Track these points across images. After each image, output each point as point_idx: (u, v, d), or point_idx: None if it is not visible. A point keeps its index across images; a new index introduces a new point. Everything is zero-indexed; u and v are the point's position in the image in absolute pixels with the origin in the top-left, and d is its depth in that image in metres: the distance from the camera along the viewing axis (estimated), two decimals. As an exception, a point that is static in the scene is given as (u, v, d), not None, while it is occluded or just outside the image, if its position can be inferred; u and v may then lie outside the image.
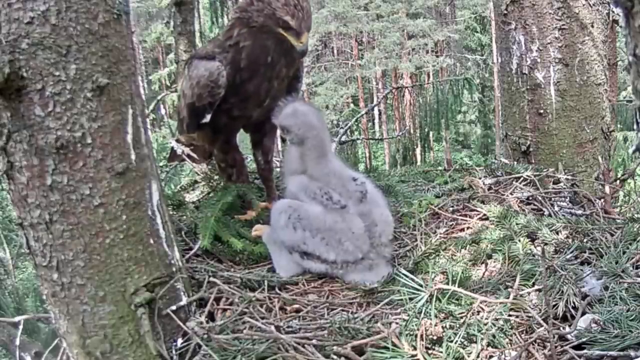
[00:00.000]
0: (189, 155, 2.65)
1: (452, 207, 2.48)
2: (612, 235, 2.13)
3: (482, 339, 1.54)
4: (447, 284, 1.73)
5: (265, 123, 2.45)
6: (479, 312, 1.66)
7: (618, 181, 3.02)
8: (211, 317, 1.74)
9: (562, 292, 1.72)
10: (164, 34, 18.53)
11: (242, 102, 2.26)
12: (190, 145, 2.63)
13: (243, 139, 2.57)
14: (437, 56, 23.38)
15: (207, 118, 2.26)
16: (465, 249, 2.11)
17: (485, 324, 1.59)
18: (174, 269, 1.67)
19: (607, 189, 2.69)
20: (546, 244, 2.09)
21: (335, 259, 1.96)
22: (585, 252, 2.03)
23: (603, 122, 3.01)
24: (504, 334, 1.58)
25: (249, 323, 1.64)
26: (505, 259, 1.99)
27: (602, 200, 2.55)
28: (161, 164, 3.88)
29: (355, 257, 1.96)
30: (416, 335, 1.53)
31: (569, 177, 2.75)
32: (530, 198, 2.52)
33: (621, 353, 1.47)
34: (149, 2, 20.58)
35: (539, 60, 2.91)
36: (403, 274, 1.77)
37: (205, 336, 1.57)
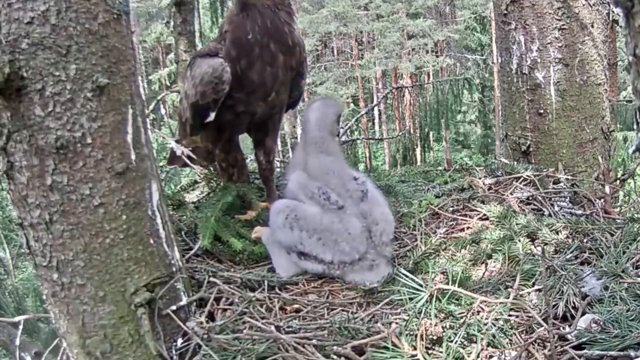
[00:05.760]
0: (189, 157, 2.65)
1: (452, 207, 2.48)
2: (612, 235, 2.13)
3: (482, 339, 1.54)
4: (447, 284, 1.73)
5: (268, 122, 2.45)
6: (479, 312, 1.66)
7: (618, 181, 3.03)
8: (211, 317, 1.74)
9: (562, 292, 1.72)
10: (164, 34, 18.53)
11: (248, 95, 2.26)
12: (191, 148, 2.63)
13: (243, 139, 2.57)
14: (437, 56, 23.39)
15: (211, 117, 2.26)
16: (465, 249, 2.11)
17: (485, 324, 1.59)
18: (174, 269, 1.67)
19: (607, 189, 2.69)
20: (546, 244, 2.09)
21: (332, 260, 1.96)
22: (585, 252, 2.03)
23: (603, 122, 3.01)
24: (504, 334, 1.58)
25: (249, 323, 1.64)
26: (505, 259, 1.99)
27: (602, 200, 2.55)
28: (161, 164, 3.87)
29: (352, 258, 1.96)
30: (416, 335, 1.53)
31: (569, 177, 2.75)
32: (530, 198, 2.52)
33: (621, 353, 1.47)
34: (149, 2, 20.58)
35: (539, 60, 2.91)
36: (403, 274, 1.77)
37: (205, 336, 1.57)
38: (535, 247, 2.07)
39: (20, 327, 2.18)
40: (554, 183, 2.71)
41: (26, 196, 1.45)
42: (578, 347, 1.53)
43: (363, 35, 25.48)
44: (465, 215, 2.40)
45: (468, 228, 2.29)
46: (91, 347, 1.55)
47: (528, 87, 2.96)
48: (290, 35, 2.24)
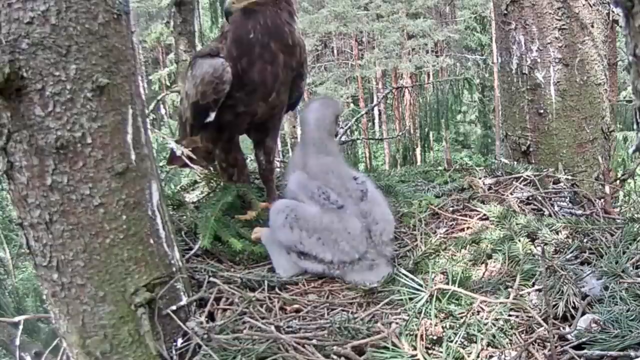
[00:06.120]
0: (189, 157, 2.65)
1: (452, 207, 2.48)
2: (612, 235, 2.13)
3: (482, 339, 1.54)
4: (447, 284, 1.73)
5: (268, 123, 2.46)
6: (479, 312, 1.66)
7: (618, 181, 3.03)
8: (211, 317, 1.74)
9: (562, 292, 1.72)
10: (164, 34, 18.50)
11: (249, 95, 2.26)
12: (191, 148, 2.63)
13: (243, 139, 2.57)
14: (437, 56, 23.40)
15: (212, 117, 2.26)
16: (465, 249, 2.11)
17: (485, 324, 1.59)
18: (174, 269, 1.67)
19: (607, 189, 2.68)
20: (546, 244, 2.09)
21: (332, 259, 1.96)
22: (585, 252, 2.03)
23: (603, 122, 3.01)
24: (504, 334, 1.58)
25: (249, 323, 1.64)
26: (505, 259, 1.99)
27: (602, 200, 2.55)
28: (161, 164, 3.87)
29: (352, 258, 1.96)
30: (416, 335, 1.53)
31: (569, 177, 2.75)
32: (530, 198, 2.52)
33: (621, 353, 1.47)
34: (149, 2, 20.58)
35: (539, 60, 2.91)
36: (403, 274, 1.77)
37: (205, 336, 1.57)
38: (535, 247, 2.07)
39: (20, 327, 2.17)
40: (554, 183, 2.71)
41: (26, 196, 1.45)
42: (578, 347, 1.53)
43: (363, 35, 25.48)
44: (465, 215, 2.40)
45: (468, 228, 2.29)
46: (91, 347, 1.55)
47: (528, 87, 2.96)
48: (290, 35, 2.24)
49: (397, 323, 1.61)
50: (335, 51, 27.63)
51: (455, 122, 18.75)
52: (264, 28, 2.17)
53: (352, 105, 22.75)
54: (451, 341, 1.54)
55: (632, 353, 1.46)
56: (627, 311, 1.63)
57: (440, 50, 24.75)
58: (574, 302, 1.69)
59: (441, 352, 1.51)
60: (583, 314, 1.66)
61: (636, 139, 1.29)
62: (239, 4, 2.12)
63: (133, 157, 1.53)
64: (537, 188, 2.58)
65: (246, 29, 2.17)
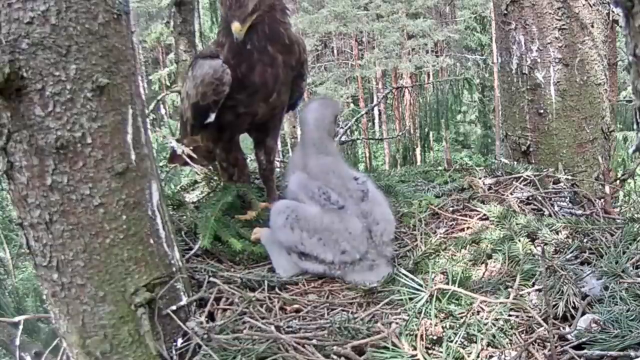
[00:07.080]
0: (189, 156, 2.65)
1: (452, 207, 2.48)
2: (612, 235, 2.13)
3: (482, 339, 1.55)
4: (447, 284, 1.73)
5: (269, 123, 2.46)
6: (479, 312, 1.66)
7: (618, 181, 3.03)
8: (211, 317, 1.74)
9: (562, 292, 1.72)
10: (164, 34, 18.49)
11: (250, 96, 2.25)
12: (192, 147, 2.63)
13: (243, 139, 2.57)
14: (437, 56, 23.38)
15: (212, 117, 2.26)
16: (465, 249, 2.11)
17: (485, 324, 1.59)
18: (174, 269, 1.67)
19: (607, 189, 2.69)
20: (546, 244, 2.09)
21: (333, 260, 1.96)
22: (585, 252, 2.03)
23: (603, 122, 3.01)
24: (504, 334, 1.58)
25: (249, 323, 1.64)
26: (505, 259, 1.99)
27: (602, 200, 2.55)
28: (161, 164, 3.87)
29: (353, 258, 1.96)
30: (416, 335, 1.53)
31: (569, 177, 2.75)
32: (530, 198, 2.52)
33: (621, 353, 1.47)
34: (149, 2, 20.58)
35: (539, 60, 2.91)
36: (403, 274, 1.77)
37: (205, 336, 1.57)
38: (535, 247, 2.07)
39: (20, 327, 2.17)
40: (554, 183, 2.71)
41: (26, 196, 1.45)
42: (578, 347, 1.53)
43: (363, 35, 25.46)
44: (465, 215, 2.40)
45: (468, 228, 2.29)
46: (91, 347, 1.55)
47: (528, 87, 2.96)
48: (286, 33, 2.24)
49: (397, 323, 1.61)
50: (335, 51, 27.62)
51: (455, 122, 18.75)
52: (261, 34, 2.17)
53: (352, 105, 22.74)
54: (451, 341, 1.54)
55: (632, 353, 1.46)
56: (627, 311, 1.63)
57: (440, 50, 24.75)
58: (574, 302, 1.69)
59: (441, 352, 1.51)
60: (583, 314, 1.66)
61: (636, 139, 1.29)
62: (244, 27, 2.11)
63: (133, 157, 1.53)
64: (537, 188, 2.58)
65: (243, 41, 2.16)
